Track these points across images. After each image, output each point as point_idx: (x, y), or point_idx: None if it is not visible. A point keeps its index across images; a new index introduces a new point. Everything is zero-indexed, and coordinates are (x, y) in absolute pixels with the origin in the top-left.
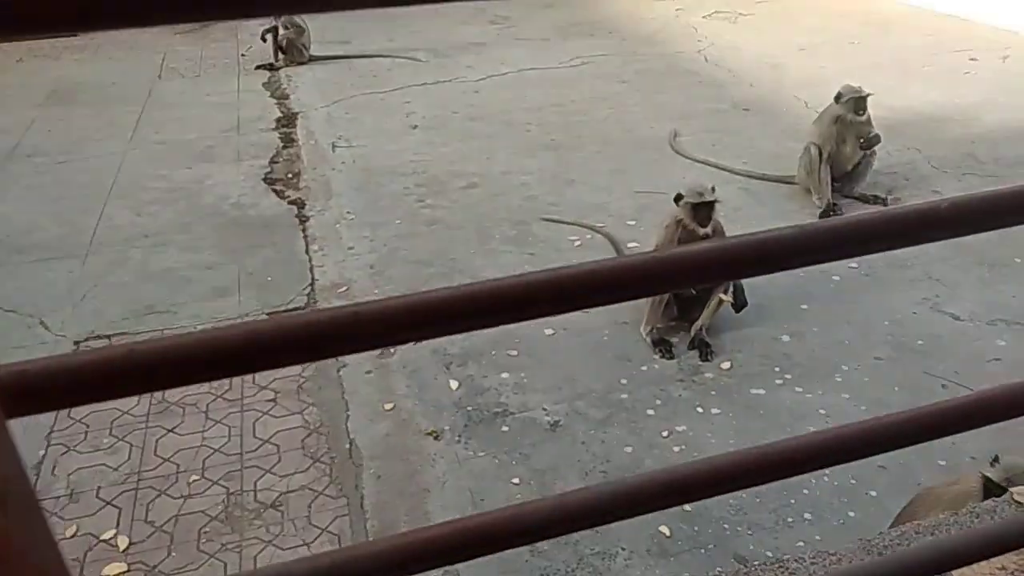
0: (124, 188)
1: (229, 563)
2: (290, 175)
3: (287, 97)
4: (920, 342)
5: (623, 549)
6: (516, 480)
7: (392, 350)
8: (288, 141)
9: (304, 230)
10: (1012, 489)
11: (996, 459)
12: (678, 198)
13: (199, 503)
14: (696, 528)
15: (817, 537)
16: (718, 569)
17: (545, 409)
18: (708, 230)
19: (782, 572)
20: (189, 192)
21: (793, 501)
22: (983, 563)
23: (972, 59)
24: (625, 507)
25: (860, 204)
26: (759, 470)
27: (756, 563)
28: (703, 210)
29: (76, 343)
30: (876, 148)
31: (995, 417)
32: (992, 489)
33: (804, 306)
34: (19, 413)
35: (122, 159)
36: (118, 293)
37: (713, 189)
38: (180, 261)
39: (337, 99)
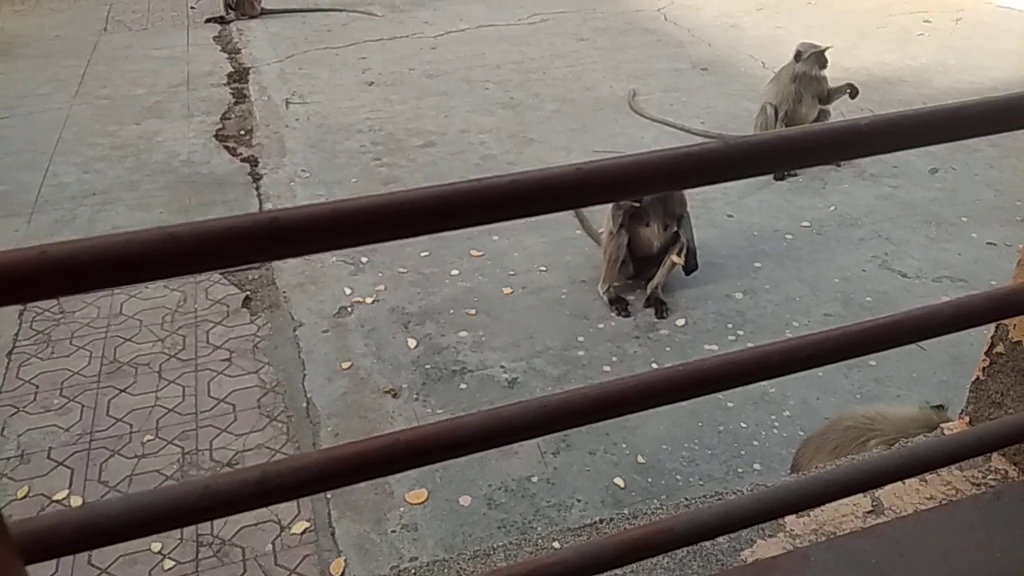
0: (70, 144)
1: None
2: (242, 132)
3: (239, 52)
4: (868, 299)
5: (578, 500)
6: None
7: (349, 309)
8: (240, 97)
9: (257, 188)
10: (943, 424)
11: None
12: None
13: (154, 463)
14: (649, 480)
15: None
16: (658, 501)
17: (503, 367)
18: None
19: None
20: (137, 149)
21: (744, 452)
22: (914, 493)
23: (925, 21)
24: (555, 421)
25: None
26: (688, 386)
27: (696, 497)
28: None
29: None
30: (831, 108)
31: (926, 334)
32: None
33: (757, 264)
34: None
35: (67, 115)
36: None
37: None
38: (129, 220)
39: (290, 54)
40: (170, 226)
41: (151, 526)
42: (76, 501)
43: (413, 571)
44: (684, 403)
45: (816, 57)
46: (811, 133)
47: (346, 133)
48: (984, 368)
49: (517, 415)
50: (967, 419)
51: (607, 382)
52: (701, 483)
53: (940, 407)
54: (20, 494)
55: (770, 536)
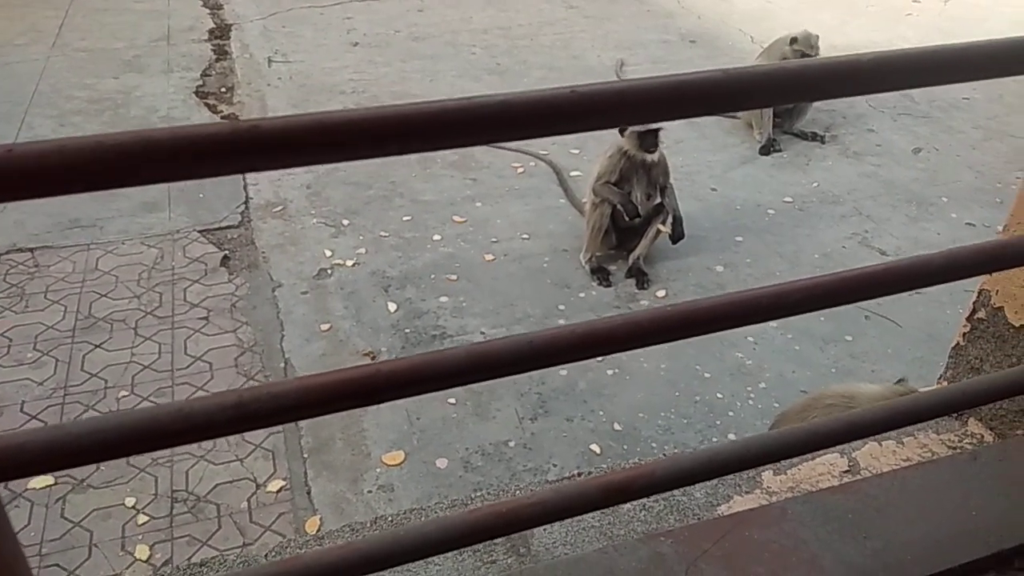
0: (46, 96)
1: (160, 477)
2: (223, 89)
3: (221, 7)
4: None
5: (554, 465)
6: (452, 400)
7: (329, 271)
8: (221, 53)
9: None
10: (921, 390)
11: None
12: (622, 128)
13: None
14: (625, 447)
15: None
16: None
17: (483, 333)
18: (655, 157)
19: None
20: (115, 103)
21: (719, 422)
22: (890, 455)
23: (915, 1)
24: (541, 357)
25: (799, 140)
26: (676, 327)
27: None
28: (649, 137)
29: None
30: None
31: (900, 287)
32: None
33: (739, 238)
34: None
35: (44, 66)
36: (41, 206)
37: None
38: None
39: (273, 11)
40: (147, 129)
41: (121, 448)
42: None
43: (391, 518)
44: (661, 372)
45: (803, 55)
46: (811, 67)
47: (329, 94)
48: (964, 334)
49: (503, 349)
50: (945, 384)
51: (595, 320)
52: (676, 451)
53: (901, 380)
54: None
55: (747, 492)
